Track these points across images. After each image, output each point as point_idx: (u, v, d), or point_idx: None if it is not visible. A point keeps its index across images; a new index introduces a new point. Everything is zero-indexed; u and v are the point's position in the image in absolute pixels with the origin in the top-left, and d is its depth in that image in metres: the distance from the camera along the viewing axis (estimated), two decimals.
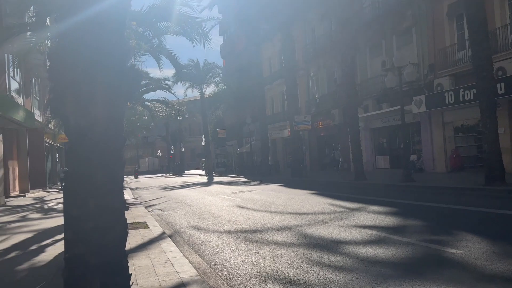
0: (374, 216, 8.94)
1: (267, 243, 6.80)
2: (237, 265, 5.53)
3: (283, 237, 7.21)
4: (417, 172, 20.49)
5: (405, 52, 20.73)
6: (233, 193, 17.27)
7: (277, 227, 8.26)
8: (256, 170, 34.62)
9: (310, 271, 4.97)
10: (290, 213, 10.13)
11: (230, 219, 9.85)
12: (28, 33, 15.69)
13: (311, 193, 15.18)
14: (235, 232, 8.08)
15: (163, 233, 8.01)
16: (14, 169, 21.71)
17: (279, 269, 5.17)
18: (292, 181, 23.30)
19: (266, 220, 9.21)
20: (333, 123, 27.91)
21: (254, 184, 22.56)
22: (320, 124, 30.48)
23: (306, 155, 31.36)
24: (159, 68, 31.61)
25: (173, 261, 5.56)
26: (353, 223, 8.08)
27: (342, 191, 15.16)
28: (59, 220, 9.96)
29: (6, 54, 18.71)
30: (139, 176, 50.96)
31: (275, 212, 10.49)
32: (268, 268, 5.25)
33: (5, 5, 18.95)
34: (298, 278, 4.74)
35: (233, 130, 45.35)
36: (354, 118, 20.28)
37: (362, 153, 20.74)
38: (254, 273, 5.05)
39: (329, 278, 4.66)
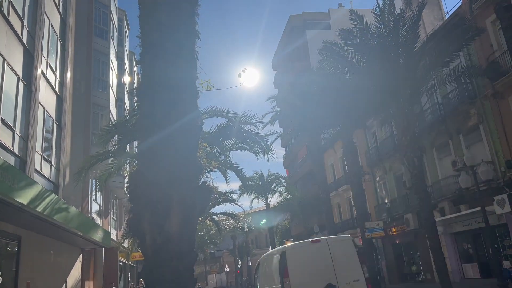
0: None
1: None
2: None
3: None
4: None
5: (476, 150, 19.84)
6: None
7: None
8: None
9: None
10: None
11: None
12: (110, 159, 17.50)
13: None
14: None
15: None
16: None
17: None
18: None
19: None
20: (408, 229, 26.13)
21: None
22: (394, 230, 28.65)
23: (382, 265, 28.98)
24: (226, 182, 33.08)
25: None
26: None
27: None
28: None
29: (90, 180, 20.73)
30: None
31: None
32: None
33: (91, 137, 21.64)
34: None
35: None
36: (430, 223, 18.81)
37: (446, 261, 18.78)
38: None
39: None
